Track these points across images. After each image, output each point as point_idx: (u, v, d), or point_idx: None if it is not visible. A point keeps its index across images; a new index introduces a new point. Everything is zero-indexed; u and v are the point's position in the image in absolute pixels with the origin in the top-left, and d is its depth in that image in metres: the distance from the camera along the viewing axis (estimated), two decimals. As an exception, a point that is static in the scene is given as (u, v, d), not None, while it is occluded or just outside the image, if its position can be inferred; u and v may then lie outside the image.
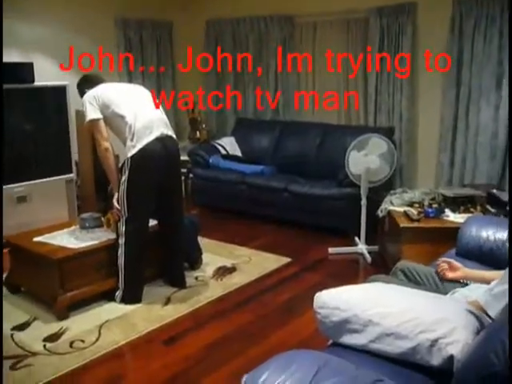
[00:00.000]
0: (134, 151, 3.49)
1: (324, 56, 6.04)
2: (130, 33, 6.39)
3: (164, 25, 6.71)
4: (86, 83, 3.84)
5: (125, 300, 3.65)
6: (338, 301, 2.00)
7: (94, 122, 3.59)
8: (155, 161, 3.53)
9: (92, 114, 3.57)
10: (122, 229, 3.58)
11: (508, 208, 3.95)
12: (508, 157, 4.88)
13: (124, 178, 3.53)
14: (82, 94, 3.81)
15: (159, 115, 3.69)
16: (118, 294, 3.66)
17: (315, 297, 2.05)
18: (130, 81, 6.30)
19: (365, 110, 5.84)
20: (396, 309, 1.89)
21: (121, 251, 3.60)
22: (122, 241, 3.59)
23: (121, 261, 3.61)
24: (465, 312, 1.90)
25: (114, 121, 3.62)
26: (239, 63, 6.69)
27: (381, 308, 1.91)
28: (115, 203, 3.63)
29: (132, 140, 3.50)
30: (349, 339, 1.97)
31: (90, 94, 3.65)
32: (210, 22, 6.82)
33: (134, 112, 3.54)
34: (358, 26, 5.76)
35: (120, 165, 3.66)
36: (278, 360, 1.69)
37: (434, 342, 1.77)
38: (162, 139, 3.58)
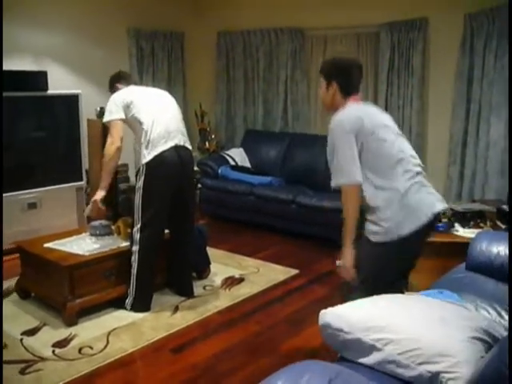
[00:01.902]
0: (148, 158, 3.53)
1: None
2: (142, 42, 6.45)
3: (176, 36, 6.77)
4: (119, 79, 3.93)
5: (135, 307, 3.66)
6: (341, 322, 1.97)
7: (114, 121, 3.63)
8: (169, 168, 3.56)
9: (114, 113, 3.62)
10: (137, 236, 3.60)
11: (508, 207, 3.97)
12: (508, 157, 4.89)
13: (139, 184, 3.57)
14: (111, 87, 3.90)
15: (177, 125, 3.72)
16: (128, 301, 3.67)
17: (320, 314, 2.05)
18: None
19: (374, 124, 5.85)
20: (399, 335, 1.86)
21: (134, 258, 3.62)
22: (135, 248, 3.61)
23: (133, 268, 3.62)
24: (470, 342, 1.85)
25: (133, 125, 3.68)
26: (249, 75, 6.75)
27: (384, 333, 1.88)
28: (96, 202, 3.67)
29: (147, 147, 3.54)
30: (354, 357, 1.96)
31: (119, 94, 3.72)
32: (221, 34, 6.88)
33: (153, 119, 3.58)
34: (369, 41, 5.80)
35: (135, 171, 3.69)
36: (289, 370, 1.69)
37: (436, 374, 1.75)
38: (177, 149, 3.61)
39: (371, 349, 1.89)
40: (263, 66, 6.58)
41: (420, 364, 1.79)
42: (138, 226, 3.59)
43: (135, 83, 4.04)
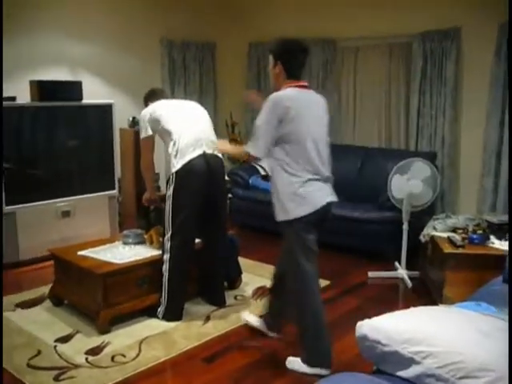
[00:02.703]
0: (177, 167, 3.57)
1: (365, 79, 6.07)
2: (174, 53, 6.53)
3: (207, 46, 6.83)
4: (150, 97, 4.05)
5: (166, 316, 3.67)
6: (378, 334, 1.94)
7: (144, 139, 3.83)
8: (198, 176, 3.58)
9: (143, 132, 3.81)
10: (168, 245, 3.62)
11: (509, 209, 3.93)
12: (508, 158, 4.82)
13: (169, 193, 3.60)
14: (145, 105, 4.05)
15: (207, 134, 3.74)
16: (160, 309, 3.68)
17: (356, 326, 2.02)
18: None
19: (406, 134, 5.81)
20: (438, 348, 1.81)
21: (165, 267, 3.63)
22: (166, 257, 3.63)
23: (165, 277, 3.64)
24: None
25: (163, 136, 3.78)
26: (280, 85, 6.75)
27: (423, 346, 1.83)
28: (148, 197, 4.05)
29: (176, 157, 3.59)
30: (392, 370, 1.92)
31: (146, 111, 3.84)
32: (252, 44, 6.92)
33: (181, 129, 3.63)
34: (401, 51, 5.77)
35: (166, 180, 3.74)
36: (327, 382, 1.68)
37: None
38: (206, 157, 3.63)
39: (409, 362, 1.85)
40: (294, 77, 6.57)
41: (460, 378, 1.74)
42: (169, 234, 3.62)
43: (166, 97, 4.12)
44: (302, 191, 2.94)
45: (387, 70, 5.89)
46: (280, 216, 3.06)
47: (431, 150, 5.49)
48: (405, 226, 4.52)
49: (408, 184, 4.39)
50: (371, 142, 6.00)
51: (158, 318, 3.68)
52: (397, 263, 4.70)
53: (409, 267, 4.59)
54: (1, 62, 4.08)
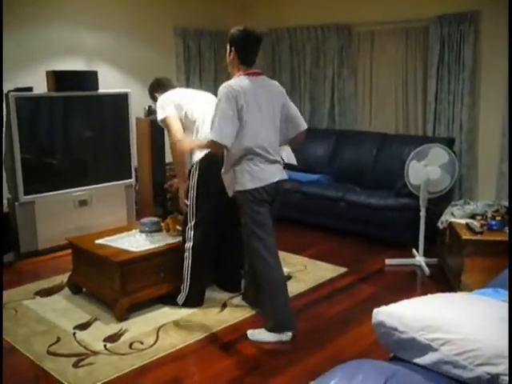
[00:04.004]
0: (200, 155, 3.57)
1: (382, 65, 6.00)
2: (188, 41, 6.52)
3: (222, 34, 6.79)
4: (158, 86, 4.00)
5: (187, 303, 3.69)
6: (395, 321, 1.93)
7: (168, 117, 3.67)
8: (216, 166, 3.56)
9: (167, 109, 3.68)
10: (190, 233, 3.62)
11: (509, 209, 3.94)
12: (508, 156, 4.78)
13: (193, 181, 3.61)
14: (151, 95, 4.01)
15: None
16: (181, 297, 3.70)
17: (373, 313, 2.01)
18: (188, 87, 6.43)
19: (423, 120, 5.75)
20: (456, 335, 1.79)
21: (187, 255, 3.65)
22: (188, 245, 3.64)
23: (186, 265, 3.65)
24: None
25: (185, 124, 3.72)
26: (296, 72, 6.72)
27: (440, 333, 1.81)
28: (182, 196, 3.79)
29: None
30: (409, 357, 1.91)
31: (167, 95, 3.78)
32: (267, 32, 6.86)
33: (203, 117, 3.62)
34: (418, 35, 5.68)
35: (189, 169, 3.72)
36: (344, 369, 1.66)
37: (495, 377, 1.67)
38: None
39: (427, 349, 1.84)
40: (310, 63, 6.54)
41: (479, 365, 1.72)
42: (192, 223, 3.62)
43: (174, 86, 4.06)
44: (253, 169, 3.20)
45: (404, 55, 5.81)
46: (233, 188, 3.33)
47: (449, 135, 5.43)
48: (422, 213, 4.49)
49: (425, 170, 4.35)
50: (388, 129, 5.95)
51: (177, 305, 3.70)
52: (414, 250, 4.67)
53: (427, 254, 4.56)
54: (1, 61, 4.09)
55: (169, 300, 3.73)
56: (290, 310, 3.38)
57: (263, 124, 3.23)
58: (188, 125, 3.70)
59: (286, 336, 3.28)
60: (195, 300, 3.72)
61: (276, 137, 3.34)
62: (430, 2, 5.42)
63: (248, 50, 3.28)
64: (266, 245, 3.29)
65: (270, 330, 3.30)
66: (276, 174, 3.32)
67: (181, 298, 3.70)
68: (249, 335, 3.33)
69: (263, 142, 3.22)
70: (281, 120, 3.37)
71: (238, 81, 3.21)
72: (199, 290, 3.75)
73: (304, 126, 3.49)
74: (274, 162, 3.31)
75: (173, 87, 4.01)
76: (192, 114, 3.66)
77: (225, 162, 3.34)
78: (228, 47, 3.30)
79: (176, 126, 3.66)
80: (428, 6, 5.42)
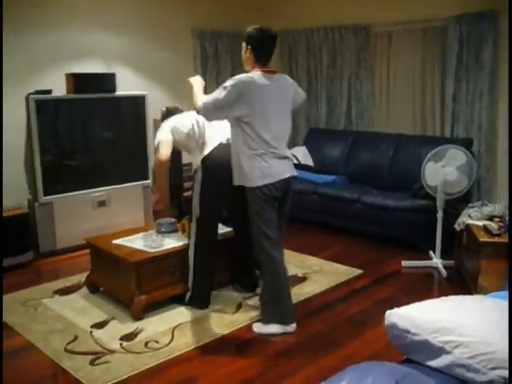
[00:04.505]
0: (204, 154, 3.62)
1: (399, 65, 5.97)
2: (205, 43, 6.54)
3: (238, 35, 6.77)
4: (167, 115, 4.11)
5: (193, 302, 3.72)
6: (408, 323, 1.92)
7: (160, 142, 3.85)
8: (222, 165, 3.57)
9: (161, 136, 3.87)
10: (194, 230, 3.67)
11: (509, 208, 3.95)
12: (508, 156, 4.75)
13: (198, 179, 3.64)
14: (162, 121, 4.11)
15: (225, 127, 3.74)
16: (188, 294, 3.74)
17: (385, 315, 2.01)
18: (205, 89, 6.46)
19: (441, 120, 5.70)
20: (469, 338, 1.78)
21: (190, 251, 3.69)
22: (192, 241, 3.68)
23: (191, 261, 3.70)
24: None
25: (183, 141, 3.84)
26: (312, 73, 6.72)
27: (453, 336, 1.80)
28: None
29: (201, 149, 3.66)
30: (421, 359, 1.90)
31: (167, 122, 3.98)
32: (283, 33, 6.87)
33: (210, 135, 3.72)
34: (436, 35, 5.64)
35: (193, 170, 3.78)
36: (353, 371, 1.67)
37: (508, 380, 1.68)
38: (227, 146, 3.59)
39: (439, 351, 1.83)
40: (326, 64, 6.53)
41: (492, 369, 1.71)
42: (195, 219, 3.66)
43: (180, 113, 4.15)
44: (263, 165, 3.26)
45: (422, 55, 5.77)
46: (242, 181, 3.38)
47: (467, 136, 5.37)
48: (439, 215, 4.46)
49: (442, 171, 4.32)
50: (405, 130, 5.91)
51: (185, 303, 3.74)
52: (431, 252, 4.64)
53: (443, 256, 4.53)
54: (1, 61, 4.12)
55: (178, 299, 3.77)
56: (290, 303, 3.48)
57: (274, 120, 3.29)
58: (187, 141, 3.80)
59: (291, 327, 3.39)
60: (200, 299, 3.73)
61: (286, 133, 3.42)
62: (448, 1, 5.37)
63: (264, 49, 3.35)
64: (269, 238, 3.35)
65: (274, 321, 3.39)
66: (286, 170, 3.38)
67: (187, 297, 3.74)
68: (254, 328, 3.41)
69: (273, 138, 3.28)
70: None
71: (254, 75, 3.26)
72: (204, 288, 3.75)
73: (303, 96, 3.78)
74: (284, 157, 3.37)
75: (179, 113, 4.10)
76: (184, 128, 3.77)
77: (233, 155, 3.40)
78: (244, 45, 3.37)
79: (164, 149, 3.81)
80: (446, 6, 5.37)
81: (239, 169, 3.35)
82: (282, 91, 3.37)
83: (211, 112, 3.26)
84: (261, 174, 3.26)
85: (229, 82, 3.21)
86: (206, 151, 3.61)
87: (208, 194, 3.63)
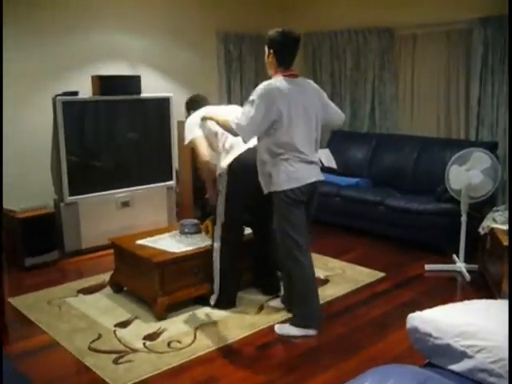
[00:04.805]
0: (230, 159, 3.61)
1: (423, 67, 5.94)
2: (230, 46, 6.58)
3: (262, 38, 6.79)
4: (192, 103, 4.11)
5: (219, 304, 3.74)
6: (429, 327, 1.92)
7: (194, 139, 3.77)
8: (249, 168, 3.58)
9: (192, 133, 3.77)
10: (218, 233, 3.69)
11: (509, 208, 3.92)
12: (508, 154, 4.67)
13: (223, 183, 3.64)
14: (187, 111, 4.11)
15: None
16: (213, 297, 3.76)
17: (407, 318, 2.01)
18: (229, 91, 6.53)
19: (466, 123, 5.65)
20: (492, 343, 1.77)
21: (215, 255, 3.70)
22: (217, 245, 3.70)
23: (216, 265, 3.71)
24: None
25: (209, 138, 3.78)
26: (336, 75, 6.71)
27: (475, 340, 1.80)
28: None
29: (227, 153, 3.65)
30: (444, 363, 1.90)
31: (192, 118, 3.89)
32: (307, 35, 6.88)
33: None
34: (460, 38, 5.59)
35: (218, 173, 3.77)
36: (374, 373, 1.67)
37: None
38: (254, 150, 3.59)
39: (462, 355, 1.82)
40: (350, 66, 6.52)
41: None
42: (220, 223, 3.67)
43: (206, 104, 4.08)
44: (289, 169, 3.26)
45: (446, 57, 5.73)
46: (268, 188, 3.39)
47: (492, 139, 5.31)
48: (463, 218, 4.42)
49: (467, 175, 4.28)
50: (429, 132, 5.87)
51: (210, 305, 3.75)
52: (455, 256, 4.60)
53: (467, 260, 4.48)
54: (1, 61, 4.18)
55: (202, 301, 3.79)
56: (318, 309, 3.48)
57: (299, 124, 3.27)
58: (212, 139, 3.76)
59: (313, 331, 3.39)
60: (226, 301, 3.76)
61: (312, 137, 3.38)
62: (473, 4, 5.32)
63: (286, 52, 3.34)
64: (298, 245, 3.34)
65: (297, 325, 3.40)
66: (312, 174, 3.36)
67: (213, 299, 3.76)
68: (276, 329, 3.43)
69: (298, 143, 3.27)
70: (321, 119, 3.45)
71: (276, 81, 3.26)
72: (231, 290, 3.78)
73: (342, 117, 3.70)
74: (310, 162, 3.35)
75: (206, 104, 4.05)
76: (214, 127, 3.68)
77: (258, 163, 3.40)
78: (266, 49, 3.37)
79: (202, 149, 3.72)
80: (471, 9, 5.32)
81: (266, 175, 3.35)
82: (304, 95, 3.35)
83: (248, 133, 3.24)
84: (287, 177, 3.26)
85: (254, 96, 3.20)
86: (234, 155, 3.61)
87: (234, 198, 3.65)
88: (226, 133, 3.58)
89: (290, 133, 3.25)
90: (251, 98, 3.22)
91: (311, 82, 3.56)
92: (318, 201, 3.55)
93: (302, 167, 3.29)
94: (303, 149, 3.29)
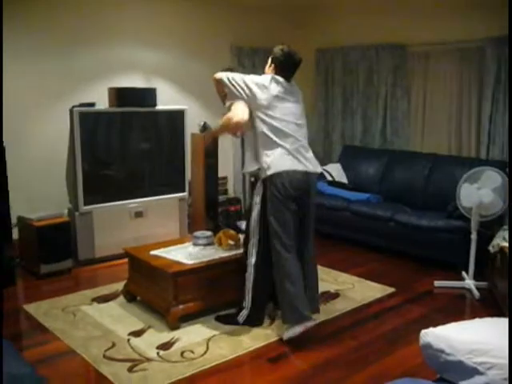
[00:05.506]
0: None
1: (436, 85, 6.00)
2: (243, 60, 6.67)
3: (276, 53, 6.92)
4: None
5: (250, 321, 3.68)
6: (442, 343, 1.96)
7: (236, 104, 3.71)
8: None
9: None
10: (254, 250, 3.62)
11: (509, 208, 3.99)
12: (508, 156, 4.70)
13: (258, 199, 3.60)
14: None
15: None
16: (243, 314, 3.69)
17: (421, 334, 2.05)
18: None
19: (477, 141, 5.70)
20: (503, 360, 1.81)
21: (250, 271, 3.63)
22: (252, 261, 3.63)
23: (250, 282, 3.64)
24: None
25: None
26: (348, 90, 6.78)
27: (487, 357, 1.84)
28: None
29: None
30: (455, 380, 1.94)
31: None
32: (320, 50, 6.98)
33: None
34: (474, 56, 5.66)
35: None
36: (390, 387, 1.73)
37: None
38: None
39: (473, 372, 1.87)
40: (362, 82, 6.60)
41: None
42: (255, 239, 3.61)
43: None
44: (276, 157, 3.47)
45: (459, 75, 5.80)
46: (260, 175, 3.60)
47: (503, 158, 5.36)
48: (473, 236, 4.46)
49: (478, 193, 4.33)
50: (440, 150, 5.92)
51: (237, 323, 3.69)
52: (464, 273, 4.63)
53: (477, 277, 4.52)
54: (1, 63, 4.23)
55: (227, 318, 3.76)
56: (302, 301, 3.49)
57: (289, 117, 3.54)
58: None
59: (311, 322, 3.49)
60: (257, 318, 3.71)
61: (302, 130, 3.65)
62: (486, 23, 5.39)
63: (286, 71, 3.60)
64: (282, 242, 3.47)
65: (284, 321, 3.54)
66: (299, 164, 3.52)
67: (242, 316, 3.69)
68: (283, 337, 3.51)
69: (289, 133, 3.52)
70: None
71: (275, 76, 3.55)
72: (262, 307, 3.73)
73: None
74: (299, 152, 3.54)
75: None
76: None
77: (248, 154, 3.69)
78: (269, 61, 3.65)
79: (241, 111, 3.57)
80: (484, 27, 5.39)
81: (253, 164, 3.67)
82: (296, 95, 3.65)
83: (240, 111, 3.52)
84: (274, 165, 3.45)
85: (259, 78, 3.54)
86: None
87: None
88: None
89: (281, 123, 3.56)
90: (250, 80, 3.56)
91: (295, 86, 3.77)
92: (314, 200, 3.74)
93: (291, 157, 3.54)
94: (294, 139, 3.59)
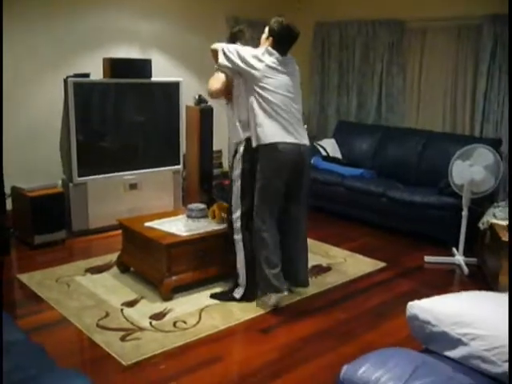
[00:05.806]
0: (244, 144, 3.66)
1: (432, 61, 5.99)
2: (240, 32, 6.61)
3: (273, 26, 6.86)
4: (236, 40, 3.86)
5: (246, 297, 3.69)
6: (428, 315, 2.01)
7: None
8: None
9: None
10: (238, 225, 3.64)
11: (508, 208, 4.02)
12: (508, 154, 4.76)
13: (238, 172, 3.64)
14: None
15: None
16: (239, 291, 3.71)
17: (407, 306, 2.10)
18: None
19: (471, 119, 5.72)
20: (486, 332, 1.86)
21: (239, 247, 3.66)
22: (238, 237, 3.66)
23: (241, 258, 3.67)
24: None
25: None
26: (344, 66, 6.76)
27: (471, 329, 1.89)
28: None
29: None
30: (440, 350, 1.99)
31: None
32: (318, 24, 6.93)
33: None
34: (470, 33, 5.64)
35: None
36: (376, 355, 1.77)
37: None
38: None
39: (457, 343, 1.92)
40: (359, 58, 6.57)
41: (506, 361, 1.80)
42: (237, 214, 3.64)
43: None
44: (266, 126, 3.47)
45: (455, 52, 5.78)
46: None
47: (496, 136, 5.39)
48: (464, 213, 4.50)
49: (470, 170, 4.36)
50: (434, 126, 5.94)
51: (234, 299, 3.69)
52: (454, 249, 4.69)
53: (466, 254, 4.58)
54: (1, 59, 4.24)
55: (223, 296, 3.75)
56: (278, 273, 3.55)
57: (282, 89, 3.49)
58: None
59: (271, 300, 3.57)
60: (252, 293, 3.70)
61: (295, 103, 3.59)
62: (484, 0, 5.36)
63: (283, 44, 3.53)
64: (264, 213, 3.53)
65: (265, 291, 3.59)
66: (290, 136, 3.50)
67: (239, 293, 3.70)
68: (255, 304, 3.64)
69: (281, 106, 3.48)
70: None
71: (268, 48, 3.51)
72: (255, 282, 3.69)
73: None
74: (291, 124, 3.52)
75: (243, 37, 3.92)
76: None
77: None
78: (266, 32, 3.56)
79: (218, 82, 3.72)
80: (482, 5, 5.36)
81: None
82: (292, 68, 3.61)
83: (231, 60, 3.53)
84: (264, 135, 3.46)
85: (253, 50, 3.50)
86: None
87: (250, 188, 3.61)
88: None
89: (274, 94, 3.52)
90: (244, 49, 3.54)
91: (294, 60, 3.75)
92: (308, 173, 3.77)
93: (281, 128, 3.53)
94: (286, 111, 3.55)
